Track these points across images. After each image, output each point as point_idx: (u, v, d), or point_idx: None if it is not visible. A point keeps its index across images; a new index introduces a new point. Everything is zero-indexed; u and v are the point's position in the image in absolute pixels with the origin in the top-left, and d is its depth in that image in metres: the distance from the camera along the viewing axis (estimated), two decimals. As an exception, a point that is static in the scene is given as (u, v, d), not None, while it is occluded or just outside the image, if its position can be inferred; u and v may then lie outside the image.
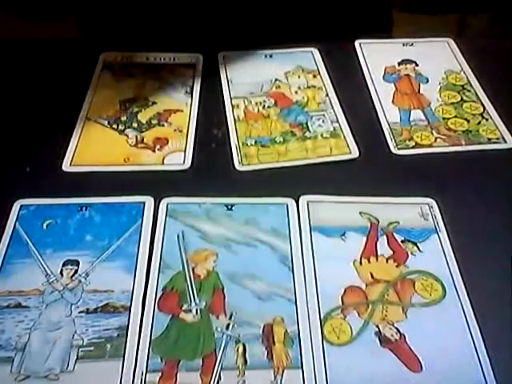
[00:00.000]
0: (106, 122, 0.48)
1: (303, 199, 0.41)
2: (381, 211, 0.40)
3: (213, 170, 0.44)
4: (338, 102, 0.49)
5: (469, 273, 0.37)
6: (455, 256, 0.38)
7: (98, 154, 0.45)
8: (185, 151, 0.45)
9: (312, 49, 0.55)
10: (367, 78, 0.52)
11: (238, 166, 0.44)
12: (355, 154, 0.45)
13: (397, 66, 0.53)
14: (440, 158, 0.45)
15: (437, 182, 0.43)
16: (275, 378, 0.32)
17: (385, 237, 0.39)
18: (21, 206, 0.40)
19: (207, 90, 0.51)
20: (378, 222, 0.40)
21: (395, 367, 0.33)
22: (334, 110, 0.49)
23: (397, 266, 0.37)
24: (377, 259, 0.38)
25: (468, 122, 0.47)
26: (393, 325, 0.34)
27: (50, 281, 0.36)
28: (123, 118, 0.48)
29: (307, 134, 0.46)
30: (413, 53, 0.55)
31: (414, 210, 0.41)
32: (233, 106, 0.49)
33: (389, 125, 0.47)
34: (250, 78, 0.52)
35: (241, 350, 0.33)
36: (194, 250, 0.38)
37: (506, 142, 0.46)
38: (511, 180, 0.43)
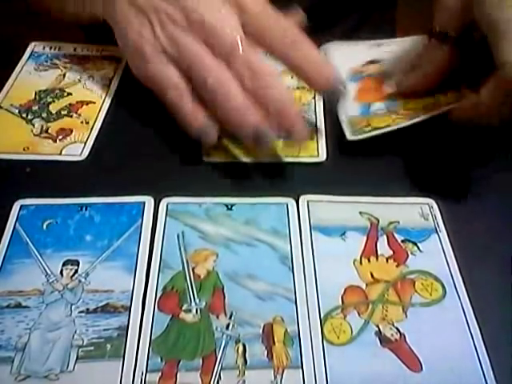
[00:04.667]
0: (16, 111, 0.48)
1: (303, 199, 0.41)
2: (381, 211, 0.40)
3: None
4: (323, 103, 0.49)
5: (469, 273, 0.37)
6: (455, 256, 0.38)
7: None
8: (85, 143, 0.45)
9: None
10: None
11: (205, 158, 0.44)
12: (322, 157, 0.44)
13: (362, 67, 0.52)
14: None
15: (437, 182, 0.43)
16: (275, 377, 0.32)
17: (385, 236, 0.39)
18: (21, 206, 0.40)
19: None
20: (378, 221, 0.40)
21: (395, 367, 0.33)
22: (315, 112, 0.48)
23: (397, 266, 0.37)
24: (377, 259, 0.38)
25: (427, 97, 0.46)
26: (393, 324, 0.34)
27: (50, 281, 0.36)
28: (34, 108, 0.48)
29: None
30: (380, 53, 0.54)
31: (413, 210, 0.41)
32: None
33: (347, 117, 0.46)
34: None
35: (241, 349, 0.33)
36: (194, 250, 0.38)
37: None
38: (511, 179, 0.43)
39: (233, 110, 0.42)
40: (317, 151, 0.45)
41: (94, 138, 0.46)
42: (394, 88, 0.49)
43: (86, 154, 0.45)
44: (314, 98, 0.50)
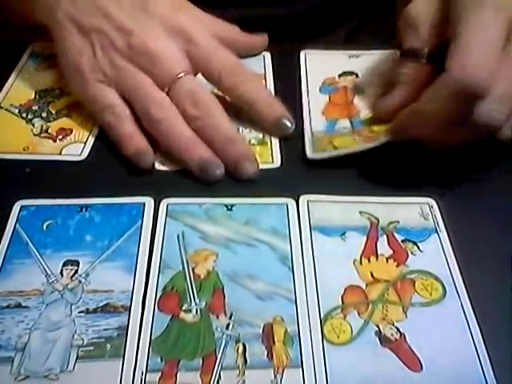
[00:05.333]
0: (16, 111, 0.48)
1: (303, 199, 0.41)
2: (381, 211, 0.40)
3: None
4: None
5: (469, 273, 0.37)
6: (455, 256, 0.38)
7: None
8: (85, 143, 0.45)
9: (264, 52, 0.54)
10: (303, 89, 0.51)
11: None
12: (277, 163, 0.44)
13: (337, 77, 0.52)
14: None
15: (437, 182, 0.43)
16: (275, 377, 0.32)
17: (385, 236, 0.39)
18: (21, 207, 0.40)
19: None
20: (378, 221, 0.40)
21: (395, 367, 0.32)
22: None
23: (397, 266, 0.37)
24: (377, 259, 0.38)
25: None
26: (393, 324, 0.34)
27: (50, 281, 0.36)
28: (34, 108, 0.48)
29: None
30: (357, 64, 0.53)
31: (414, 210, 0.41)
32: None
33: (311, 133, 0.46)
34: None
35: (241, 349, 0.33)
36: (194, 250, 0.38)
37: None
38: (511, 180, 0.43)
39: (177, 146, 0.42)
40: (271, 157, 0.45)
41: (93, 138, 0.46)
42: (365, 103, 0.48)
43: (86, 153, 0.45)
44: None
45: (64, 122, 0.47)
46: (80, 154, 0.44)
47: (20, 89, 0.50)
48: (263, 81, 0.49)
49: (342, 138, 0.45)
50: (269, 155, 0.45)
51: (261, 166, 0.44)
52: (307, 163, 0.44)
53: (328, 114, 0.48)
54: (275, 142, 0.46)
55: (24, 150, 0.45)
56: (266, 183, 0.43)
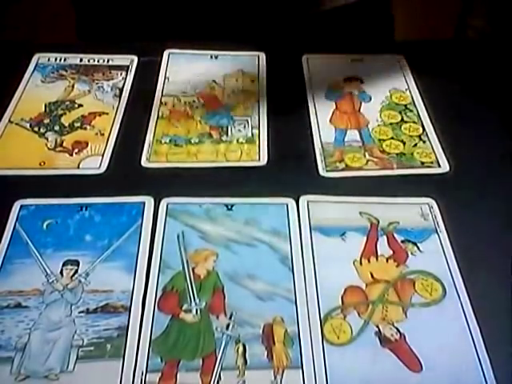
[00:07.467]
0: (27, 125, 0.47)
1: (303, 199, 0.41)
2: (381, 211, 0.40)
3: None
4: (266, 110, 0.48)
5: (469, 273, 0.37)
6: (455, 256, 0.38)
7: (13, 157, 0.44)
8: (102, 155, 0.44)
9: (259, 53, 0.54)
10: (308, 94, 0.50)
11: (144, 163, 0.44)
12: (263, 161, 0.44)
13: (341, 82, 0.51)
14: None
15: (437, 182, 0.43)
16: (275, 377, 0.32)
17: (385, 237, 0.39)
18: (21, 206, 0.40)
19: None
20: (378, 222, 0.40)
21: (395, 367, 0.33)
22: (258, 117, 0.48)
23: (397, 266, 0.37)
24: (377, 259, 0.38)
25: (404, 144, 0.45)
26: (393, 325, 0.34)
27: (50, 281, 0.36)
28: (46, 121, 0.47)
29: (224, 137, 0.46)
30: (360, 69, 0.53)
31: (414, 210, 0.41)
32: (161, 103, 0.49)
33: (322, 144, 0.45)
34: (187, 77, 0.52)
35: (241, 350, 0.33)
36: (194, 250, 0.38)
37: (440, 166, 0.44)
38: (511, 180, 0.43)
39: None
40: (258, 155, 0.45)
41: (111, 150, 0.45)
42: (372, 111, 0.48)
43: (105, 166, 0.44)
44: (258, 102, 0.50)
45: (78, 134, 0.46)
46: (99, 167, 0.43)
47: (29, 102, 0.49)
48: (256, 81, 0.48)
49: (354, 154, 0.45)
50: (256, 153, 0.45)
51: (247, 164, 0.44)
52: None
53: (336, 123, 0.47)
54: (263, 140, 0.46)
55: (40, 165, 0.43)
56: (266, 183, 0.43)
